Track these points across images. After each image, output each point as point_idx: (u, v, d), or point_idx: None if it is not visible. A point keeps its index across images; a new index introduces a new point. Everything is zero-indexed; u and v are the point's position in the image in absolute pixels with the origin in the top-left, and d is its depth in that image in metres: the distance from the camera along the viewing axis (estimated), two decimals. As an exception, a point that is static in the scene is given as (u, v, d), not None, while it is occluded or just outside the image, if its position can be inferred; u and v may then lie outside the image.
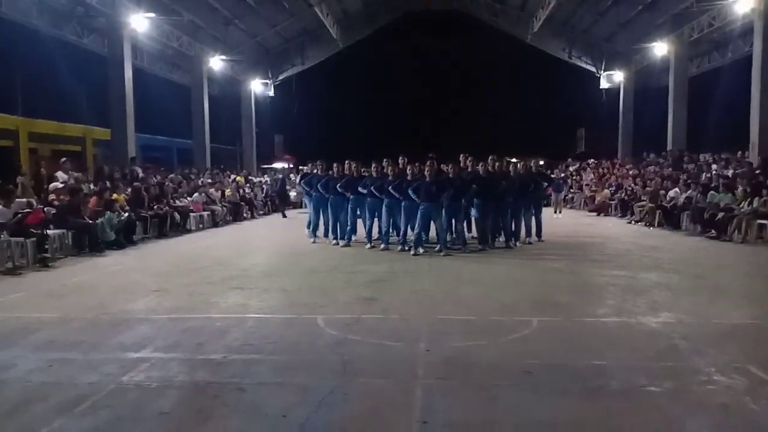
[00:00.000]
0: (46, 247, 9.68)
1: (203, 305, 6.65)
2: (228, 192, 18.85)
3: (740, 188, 12.93)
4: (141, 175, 16.12)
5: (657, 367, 4.43)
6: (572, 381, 4.14)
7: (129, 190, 13.86)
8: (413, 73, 32.65)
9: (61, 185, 12.14)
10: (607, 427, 3.47)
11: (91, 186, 13.15)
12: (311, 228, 12.64)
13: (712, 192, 13.92)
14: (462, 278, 8.37)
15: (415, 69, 32.59)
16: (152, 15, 17.89)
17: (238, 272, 8.88)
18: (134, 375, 4.30)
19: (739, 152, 18.04)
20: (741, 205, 12.51)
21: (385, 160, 11.78)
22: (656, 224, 15.25)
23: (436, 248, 10.82)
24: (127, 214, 12.34)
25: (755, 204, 12.16)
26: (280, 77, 28.19)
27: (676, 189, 15.62)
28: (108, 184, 13.32)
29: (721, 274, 8.71)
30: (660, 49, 22.25)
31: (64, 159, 14.24)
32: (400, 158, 12.03)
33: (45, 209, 10.87)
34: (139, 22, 17.58)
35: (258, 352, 4.89)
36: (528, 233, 12.28)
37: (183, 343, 5.13)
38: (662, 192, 16.10)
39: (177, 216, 14.51)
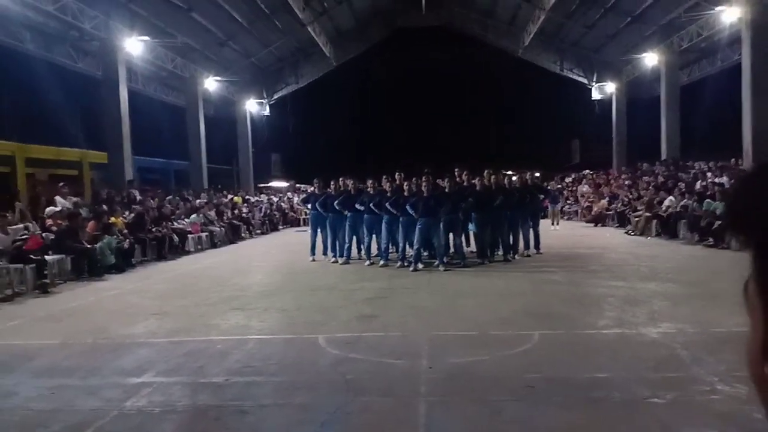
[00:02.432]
0: (45, 272, 9.65)
1: (203, 327, 6.64)
2: (228, 212, 18.91)
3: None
4: (139, 197, 16.14)
5: (659, 378, 4.43)
6: (574, 394, 4.14)
7: (127, 213, 13.86)
8: (407, 88, 32.86)
9: (57, 210, 12.15)
10: (611, 439, 3.47)
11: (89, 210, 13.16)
12: (310, 246, 12.61)
13: (707, 200, 13.98)
14: (461, 292, 8.38)
15: (409, 85, 32.80)
16: (146, 38, 18.03)
17: (237, 292, 8.87)
18: (136, 400, 4.29)
19: (733, 159, 18.18)
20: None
21: (384, 177, 11.83)
22: (653, 234, 15.29)
23: (435, 263, 10.83)
24: (126, 239, 12.33)
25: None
26: (275, 96, 28.36)
27: (671, 198, 15.69)
28: (105, 207, 13.33)
29: (719, 282, 8.72)
30: (650, 59, 22.49)
31: (62, 183, 14.26)
32: (397, 174, 12.08)
33: (43, 234, 10.86)
34: (134, 45, 17.71)
35: (259, 373, 4.88)
36: (526, 246, 12.30)
37: (184, 367, 5.12)
38: (657, 201, 16.17)
39: (175, 238, 14.51)
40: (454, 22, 27.47)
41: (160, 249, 13.72)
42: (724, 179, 16.02)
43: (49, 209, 12.22)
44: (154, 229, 13.97)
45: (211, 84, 24.03)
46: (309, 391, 4.39)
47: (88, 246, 11.10)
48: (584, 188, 23.92)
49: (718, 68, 23.01)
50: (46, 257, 10.01)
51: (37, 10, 15.23)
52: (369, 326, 6.38)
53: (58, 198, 12.98)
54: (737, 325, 6.10)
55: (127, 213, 13.88)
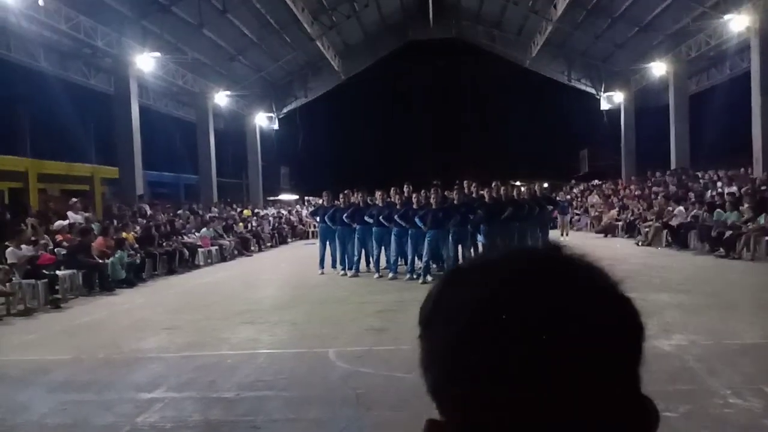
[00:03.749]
0: (57, 287, 9.73)
1: (214, 341, 6.66)
2: (240, 226, 19.07)
3: (746, 205, 12.91)
4: (149, 212, 16.26)
5: (672, 391, 4.39)
6: (586, 407, 4.11)
7: (137, 228, 13.97)
8: (415, 101, 33.00)
9: (66, 224, 12.25)
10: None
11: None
12: (319, 259, 12.62)
13: (718, 210, 13.89)
14: (471, 305, 8.34)
15: (417, 97, 32.95)
16: (157, 54, 18.24)
17: (247, 306, 8.90)
18: (149, 416, 4.31)
19: (743, 168, 18.08)
20: (747, 223, 12.48)
21: (393, 189, 11.86)
22: (663, 244, 15.18)
23: (445, 275, 10.80)
24: (137, 254, 12.40)
25: (762, 221, 12.12)
26: (285, 110, 28.54)
27: (681, 208, 15.59)
28: (115, 222, 13.42)
29: (732, 293, 8.67)
30: (658, 68, 22.44)
31: (74, 199, 14.40)
32: (405, 186, 12.09)
33: (55, 250, 10.96)
34: (145, 62, 17.91)
35: (270, 388, 4.89)
36: (536, 257, 12.24)
37: (196, 381, 5.14)
38: (668, 210, 16.07)
39: (186, 252, 14.59)
40: (461, 34, 27.63)
41: (171, 263, 13.80)
42: (734, 188, 15.92)
43: (58, 223, 12.33)
44: (164, 244, 14.06)
45: (222, 99, 24.24)
46: (320, 406, 4.39)
47: (100, 261, 11.18)
48: (594, 199, 23.84)
49: (727, 76, 22.92)
50: (58, 272, 10.10)
51: (51, 29, 15.47)
52: (379, 339, 6.38)
53: (70, 213, 13.10)
54: (752, 336, 6.06)
55: (137, 228, 13.98)
